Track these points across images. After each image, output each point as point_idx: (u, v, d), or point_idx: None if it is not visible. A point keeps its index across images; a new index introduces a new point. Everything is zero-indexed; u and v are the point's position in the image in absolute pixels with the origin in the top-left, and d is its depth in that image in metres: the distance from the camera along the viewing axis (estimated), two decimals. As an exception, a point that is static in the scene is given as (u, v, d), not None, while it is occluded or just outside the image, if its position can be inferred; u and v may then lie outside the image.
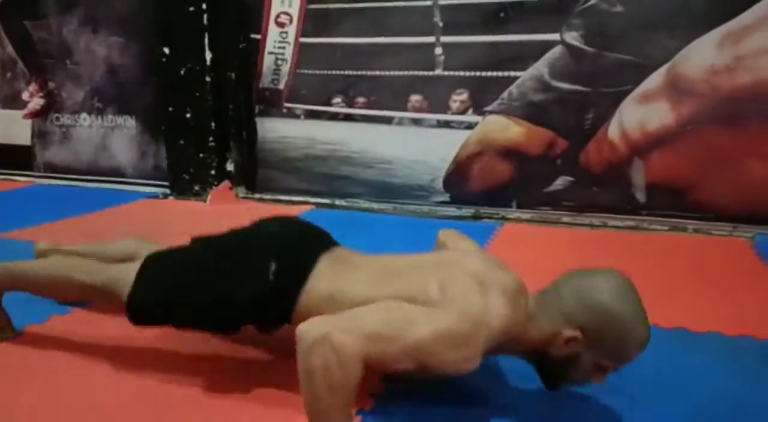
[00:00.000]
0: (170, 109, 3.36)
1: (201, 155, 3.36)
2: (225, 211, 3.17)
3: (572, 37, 2.67)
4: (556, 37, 2.69)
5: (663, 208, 2.66)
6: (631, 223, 2.70)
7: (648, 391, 1.35)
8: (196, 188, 3.41)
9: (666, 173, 2.64)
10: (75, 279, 1.41)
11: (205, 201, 3.35)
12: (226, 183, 3.41)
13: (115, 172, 3.77)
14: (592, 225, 2.74)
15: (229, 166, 3.45)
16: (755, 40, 2.41)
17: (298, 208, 3.18)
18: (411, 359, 1.07)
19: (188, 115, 3.32)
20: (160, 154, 3.60)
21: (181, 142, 3.38)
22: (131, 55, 3.58)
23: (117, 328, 1.58)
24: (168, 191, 3.53)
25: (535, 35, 2.72)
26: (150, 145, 3.67)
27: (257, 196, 3.45)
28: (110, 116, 3.71)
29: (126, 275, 1.35)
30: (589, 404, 1.30)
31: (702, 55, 2.50)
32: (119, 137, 3.73)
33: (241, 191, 3.48)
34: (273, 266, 1.26)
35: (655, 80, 2.58)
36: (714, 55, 2.48)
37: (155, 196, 3.54)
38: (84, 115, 3.76)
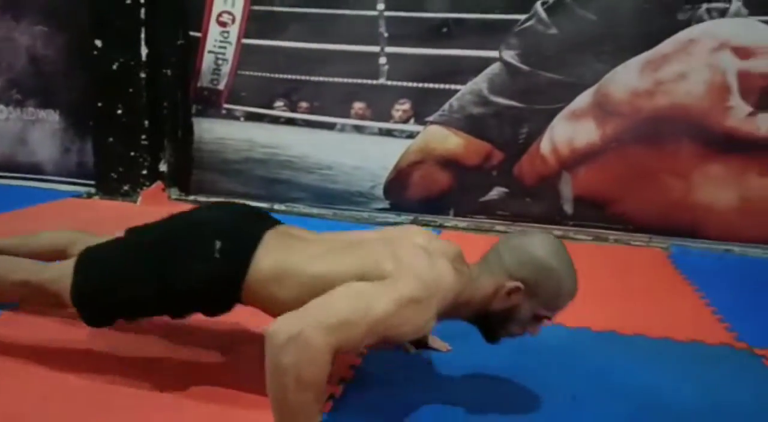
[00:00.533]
0: (99, 104, 3.21)
1: (132, 154, 3.22)
2: (157, 213, 2.98)
3: (510, 56, 2.82)
4: (494, 54, 2.83)
5: (588, 219, 2.85)
6: (559, 233, 2.86)
7: (588, 391, 1.44)
8: (125, 188, 3.27)
9: (591, 187, 2.83)
10: (13, 279, 1.33)
11: (135, 202, 3.22)
12: (159, 184, 3.30)
13: (35, 169, 3.54)
14: (524, 234, 2.89)
15: (162, 167, 3.33)
16: (672, 67, 2.65)
17: (235, 211, 3.13)
18: (378, 334, 1.10)
19: (119, 112, 3.19)
20: (85, 150, 3.43)
21: (111, 139, 3.23)
22: (57, 46, 3.39)
23: (48, 330, 1.51)
24: (93, 190, 3.36)
25: (476, 51, 2.84)
26: (74, 141, 3.48)
27: (191, 197, 3.35)
28: (31, 109, 3.49)
29: (65, 273, 1.28)
30: (535, 403, 1.38)
31: (626, 79, 2.71)
32: (40, 132, 3.51)
33: (174, 193, 3.37)
34: (218, 244, 1.25)
35: (583, 100, 2.78)
36: (636, 79, 2.70)
37: (79, 195, 3.36)
38: (0, 106, 3.52)
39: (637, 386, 1.47)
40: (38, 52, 3.41)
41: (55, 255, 1.53)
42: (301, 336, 1.02)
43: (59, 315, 1.58)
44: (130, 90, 3.15)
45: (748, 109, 2.59)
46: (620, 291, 2.17)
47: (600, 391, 1.44)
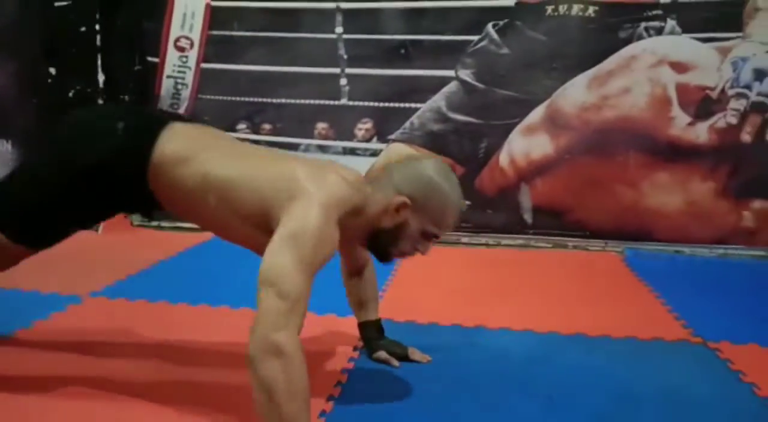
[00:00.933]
0: (56, 132, 3.15)
1: (92, 181, 3.18)
2: (119, 241, 3.03)
3: (466, 74, 2.94)
4: (451, 73, 2.95)
5: (547, 227, 2.99)
6: (520, 242, 3.00)
7: (563, 390, 1.52)
8: (86, 216, 3.21)
9: (548, 197, 2.97)
10: None
11: (96, 231, 3.16)
12: (120, 210, 3.25)
13: (-14, 200, 3.42)
14: (487, 245, 3.01)
15: (123, 193, 3.29)
16: (616, 83, 2.84)
17: (200, 235, 3.11)
18: (314, 273, 1.14)
19: (77, 139, 3.14)
20: (40, 180, 3.35)
21: (69, 167, 3.18)
22: (7, 74, 3.31)
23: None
24: (50, 220, 3.28)
25: (433, 71, 2.96)
26: (29, 170, 3.39)
27: (155, 223, 3.32)
28: (-20, 139, 3.39)
29: None
30: (516, 406, 1.46)
31: (575, 94, 2.87)
32: (-9, 162, 3.40)
33: (137, 219, 3.33)
34: (120, 125, 1.29)
35: (536, 115, 2.92)
36: (584, 94, 2.86)
37: (35, 226, 3.28)
38: (-52, 137, 3.40)
39: (607, 383, 1.57)
40: (-13, 81, 3.33)
41: None
42: (268, 347, 1.05)
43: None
44: (88, 117, 3.11)
45: (688, 119, 2.79)
46: (582, 296, 2.29)
47: (574, 390, 1.53)
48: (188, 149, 1.28)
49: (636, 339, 1.87)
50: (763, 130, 2.75)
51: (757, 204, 2.83)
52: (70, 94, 3.10)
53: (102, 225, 3.16)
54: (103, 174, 1.29)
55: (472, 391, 1.52)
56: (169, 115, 1.46)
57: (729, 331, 1.90)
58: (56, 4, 3.03)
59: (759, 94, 2.72)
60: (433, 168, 1.31)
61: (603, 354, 1.76)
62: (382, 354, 1.62)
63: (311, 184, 1.19)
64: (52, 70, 3.10)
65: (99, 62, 3.09)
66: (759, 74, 2.71)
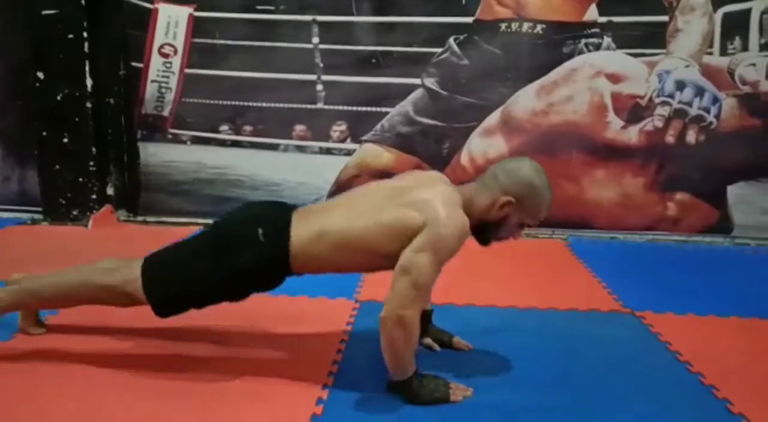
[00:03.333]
0: (44, 133, 3.32)
1: (80, 179, 3.36)
2: (108, 235, 3.23)
3: (430, 82, 3.28)
4: (417, 81, 3.28)
5: (502, 218, 3.37)
6: (480, 231, 3.37)
7: (520, 354, 1.86)
8: (75, 213, 3.39)
9: (503, 191, 3.35)
10: (86, 288, 1.61)
11: (85, 225, 3.35)
12: (108, 207, 3.45)
13: (-29, 199, 3.55)
14: (450, 234, 3.36)
15: (110, 190, 3.49)
16: (561, 91, 3.23)
17: (186, 228, 3.35)
18: (440, 269, 1.50)
19: (65, 140, 3.31)
20: (26, 178, 3.50)
21: (57, 166, 3.35)
22: (-9, 77, 3.44)
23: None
24: (37, 217, 3.44)
25: (401, 79, 3.28)
26: (14, 169, 3.53)
27: (140, 218, 3.53)
28: (-35, 139, 3.50)
29: (132, 273, 1.60)
30: (480, 366, 1.81)
31: (525, 101, 3.26)
32: (-24, 162, 3.53)
33: (123, 214, 3.53)
34: (260, 231, 1.58)
35: (493, 119, 3.29)
36: (534, 101, 3.25)
37: (22, 222, 3.43)
38: (-68, 137, 3.50)
39: (555, 345, 1.94)
40: (-28, 84, 3.44)
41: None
42: (399, 317, 1.46)
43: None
44: (77, 119, 3.29)
45: (621, 123, 3.22)
46: (534, 276, 2.68)
47: (530, 353, 1.88)
48: (315, 227, 1.56)
49: (577, 310, 2.26)
50: (684, 133, 3.20)
51: (680, 196, 3.29)
52: (59, 97, 3.26)
53: (92, 220, 3.35)
54: (256, 275, 1.59)
55: (444, 358, 1.83)
56: (286, 205, 1.70)
57: (652, 303, 2.31)
58: (43, 12, 3.18)
59: (680, 102, 3.17)
60: (531, 169, 1.56)
61: (551, 323, 2.14)
62: (428, 339, 1.88)
63: (437, 202, 1.50)
64: (41, 75, 3.24)
65: (87, 67, 3.25)
66: (680, 85, 3.16)
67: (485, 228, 1.63)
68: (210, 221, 1.79)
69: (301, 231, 1.58)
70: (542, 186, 1.57)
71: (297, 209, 1.68)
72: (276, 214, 1.65)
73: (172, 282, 1.61)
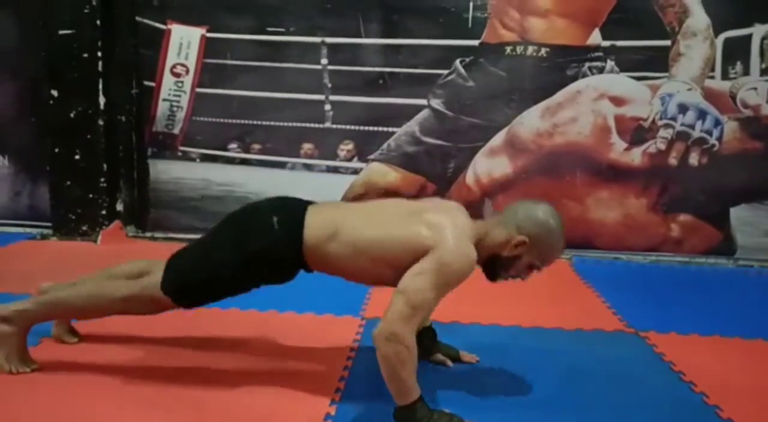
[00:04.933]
0: (56, 149, 3.38)
1: (90, 196, 3.41)
2: (117, 251, 3.26)
3: (437, 103, 3.34)
4: (424, 102, 3.34)
5: (507, 237, 3.40)
6: (484, 250, 3.40)
7: (524, 372, 1.89)
8: (84, 228, 3.43)
9: (508, 210, 3.39)
10: (113, 298, 1.64)
11: (94, 241, 3.39)
12: (117, 223, 3.49)
13: (-19, 214, 3.60)
14: (455, 253, 3.39)
15: (119, 206, 3.54)
16: (565, 113, 3.29)
17: (194, 245, 3.39)
18: (443, 295, 1.52)
19: (77, 157, 3.37)
20: (36, 194, 3.56)
21: (68, 182, 3.40)
22: (7, 95, 3.51)
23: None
24: (47, 232, 3.49)
25: (408, 99, 3.34)
26: (25, 185, 3.59)
27: (148, 234, 3.57)
28: (-22, 155, 3.56)
29: (156, 277, 1.62)
30: (483, 384, 1.83)
31: (530, 122, 3.31)
32: (-11, 176, 3.59)
33: (131, 230, 3.57)
34: (275, 219, 1.60)
35: (498, 139, 3.34)
36: (538, 122, 3.30)
37: (32, 237, 3.47)
38: (-53, 152, 3.56)
39: (560, 365, 1.96)
40: (-13, 101, 3.51)
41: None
42: (393, 335, 1.44)
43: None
44: (89, 136, 3.35)
45: (624, 145, 3.27)
46: (538, 296, 2.68)
47: (534, 371, 1.90)
48: (331, 226, 1.58)
49: (582, 330, 2.28)
50: (686, 155, 3.24)
51: (682, 217, 3.33)
52: (72, 115, 3.33)
53: (101, 236, 3.40)
54: (271, 262, 1.61)
55: (452, 374, 1.86)
56: (302, 200, 1.73)
57: (656, 323, 2.34)
58: (60, 32, 3.26)
59: (683, 124, 3.22)
60: (547, 213, 1.58)
61: (556, 343, 2.16)
62: (438, 356, 1.91)
63: (450, 229, 1.52)
64: (54, 93, 3.32)
65: (100, 86, 3.32)
66: (682, 108, 3.21)
67: (496, 264, 1.65)
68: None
69: (315, 225, 1.60)
70: (557, 231, 1.59)
71: (313, 204, 1.70)
72: (291, 206, 1.68)
73: (190, 269, 1.63)
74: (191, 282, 1.63)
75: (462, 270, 1.51)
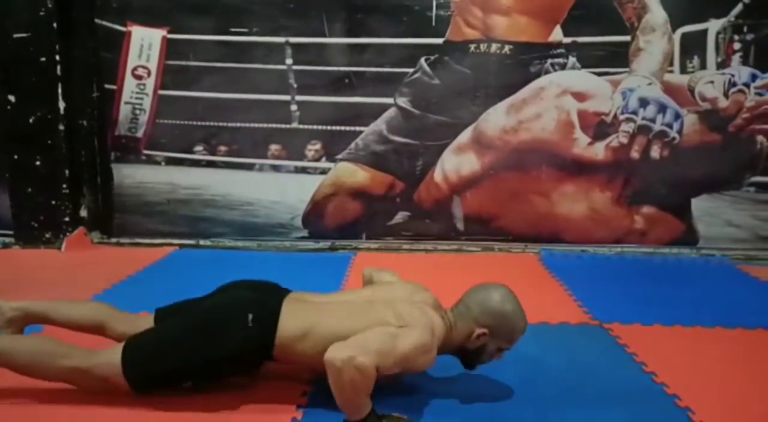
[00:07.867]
0: (15, 157, 3.30)
1: (53, 202, 3.33)
2: (82, 257, 3.21)
3: (403, 102, 3.35)
4: (390, 100, 3.34)
5: (476, 233, 3.44)
6: (455, 247, 3.44)
7: (490, 365, 1.92)
8: (47, 236, 3.36)
9: (477, 207, 3.43)
10: (61, 365, 1.56)
11: (59, 248, 3.32)
12: (81, 229, 3.42)
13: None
14: (426, 250, 3.42)
15: (83, 212, 3.47)
16: (530, 109, 3.32)
17: (161, 249, 3.35)
18: (400, 365, 1.53)
19: (38, 163, 3.29)
20: (-3, 202, 3.47)
21: (29, 189, 3.32)
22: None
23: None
24: (8, 240, 3.40)
25: (374, 98, 3.34)
26: (-17, 193, 3.49)
27: (114, 240, 3.51)
28: (-66, 163, 3.45)
29: (114, 359, 1.57)
30: (449, 377, 1.85)
31: (496, 119, 3.34)
32: (-55, 186, 3.47)
33: (96, 236, 3.51)
34: (250, 316, 1.60)
35: (464, 136, 3.37)
36: (504, 119, 3.34)
37: (-6, 246, 3.39)
38: None
39: (524, 357, 1.97)
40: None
41: (93, 328, 1.76)
42: (352, 360, 1.43)
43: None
44: (49, 142, 3.28)
45: (588, 139, 3.32)
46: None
47: (500, 364, 1.90)
48: (303, 326, 1.59)
49: (548, 324, 2.32)
50: (648, 148, 3.31)
51: (646, 209, 3.40)
52: (31, 120, 3.25)
53: (65, 243, 3.33)
54: (239, 360, 1.62)
55: (430, 379, 1.84)
56: (278, 290, 1.74)
57: (620, 314, 2.39)
58: (14, 35, 3.18)
59: (644, 118, 3.29)
60: (501, 299, 1.67)
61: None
62: None
63: (422, 325, 1.56)
64: (12, 98, 3.23)
65: (59, 90, 3.25)
66: (643, 102, 3.27)
67: (467, 356, 1.73)
68: (187, 241, 1.80)
69: (289, 325, 1.61)
70: (513, 314, 1.67)
71: (289, 294, 1.71)
72: (267, 299, 1.67)
73: (155, 361, 1.59)
74: (156, 372, 1.59)
75: (412, 357, 1.54)
